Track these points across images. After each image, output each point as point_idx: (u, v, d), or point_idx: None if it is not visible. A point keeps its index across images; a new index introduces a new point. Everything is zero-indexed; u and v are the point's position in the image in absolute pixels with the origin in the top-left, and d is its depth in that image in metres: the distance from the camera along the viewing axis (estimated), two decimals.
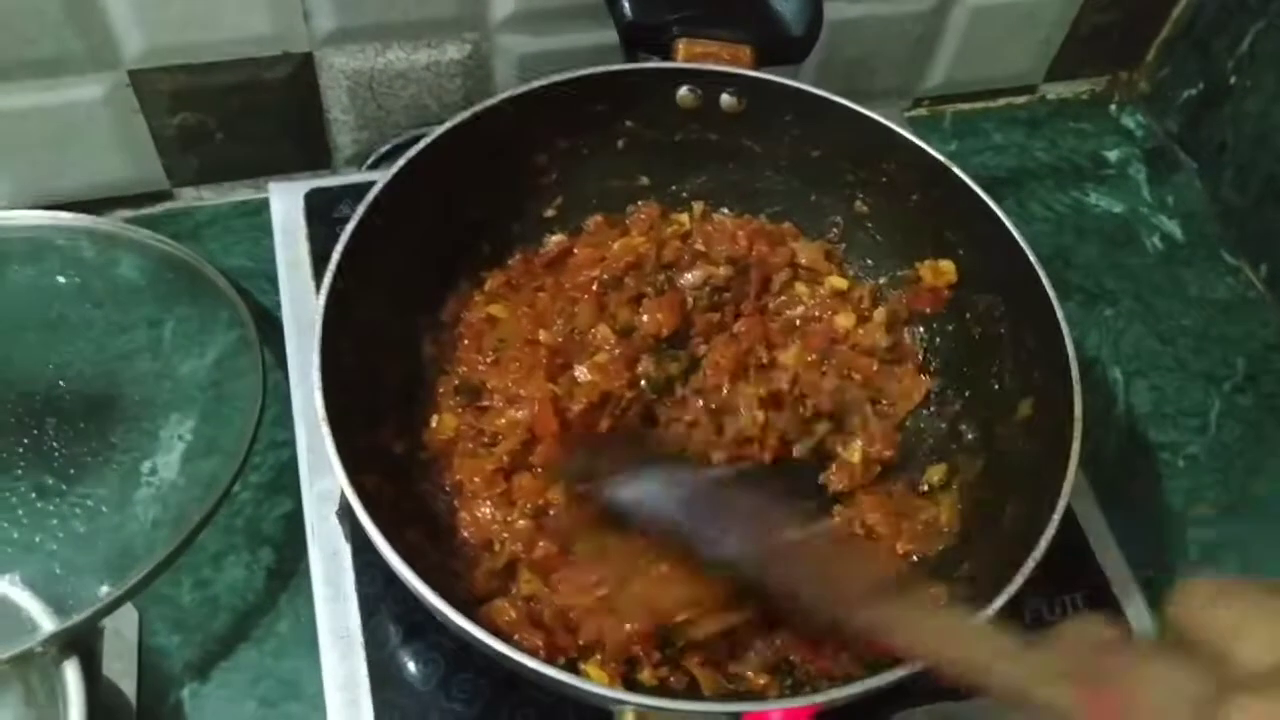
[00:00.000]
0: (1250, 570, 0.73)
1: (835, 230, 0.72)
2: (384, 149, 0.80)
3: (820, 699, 0.48)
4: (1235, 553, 0.74)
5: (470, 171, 0.65)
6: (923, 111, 0.95)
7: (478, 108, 0.63)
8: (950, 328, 0.68)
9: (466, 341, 0.65)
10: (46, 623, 0.57)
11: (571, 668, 0.54)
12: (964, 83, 0.94)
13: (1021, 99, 0.98)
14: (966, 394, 0.67)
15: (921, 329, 0.69)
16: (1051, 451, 0.56)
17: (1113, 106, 0.99)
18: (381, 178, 0.60)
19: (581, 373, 0.63)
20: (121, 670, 0.62)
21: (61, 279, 0.74)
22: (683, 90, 0.67)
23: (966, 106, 0.96)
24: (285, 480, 0.70)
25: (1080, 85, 0.99)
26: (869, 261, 0.72)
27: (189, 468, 0.68)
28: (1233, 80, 0.89)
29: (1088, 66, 0.97)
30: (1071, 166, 0.94)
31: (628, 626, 0.53)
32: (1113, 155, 0.96)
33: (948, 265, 0.67)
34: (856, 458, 0.65)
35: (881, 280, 0.71)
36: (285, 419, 0.68)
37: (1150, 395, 0.81)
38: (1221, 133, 0.91)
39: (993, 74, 0.95)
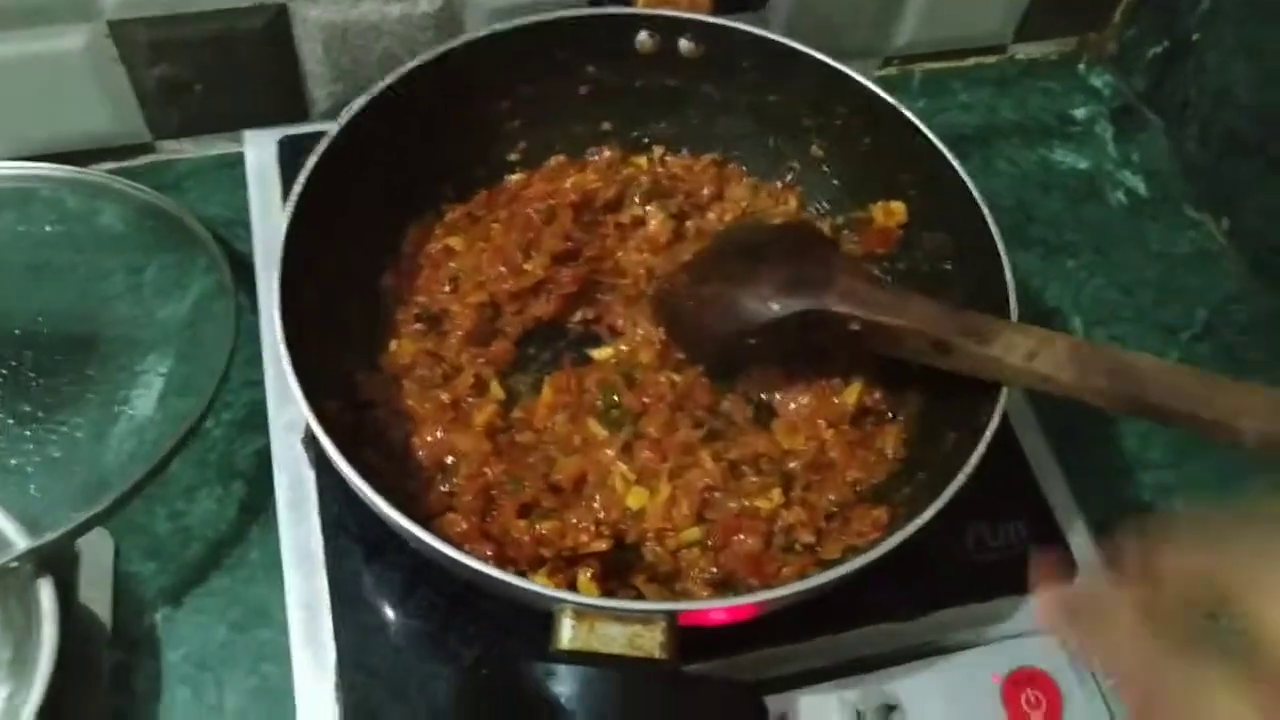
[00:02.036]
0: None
1: (792, 173, 0.74)
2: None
3: (750, 600, 0.50)
4: (1188, 494, 0.75)
5: (432, 115, 0.67)
6: (892, 71, 0.97)
7: (437, 51, 0.65)
8: (900, 265, 0.70)
9: (426, 272, 0.67)
10: (21, 542, 0.59)
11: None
12: (933, 42, 0.96)
13: (991, 59, 0.99)
14: None
15: (875, 270, 0.71)
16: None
17: (1081, 66, 1.00)
18: (341, 118, 0.62)
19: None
20: (97, 597, 0.64)
21: (46, 227, 0.76)
22: (641, 35, 0.69)
23: (935, 66, 0.98)
24: (257, 419, 0.71)
25: (1049, 46, 1.00)
26: (825, 204, 0.74)
27: (165, 404, 0.70)
28: (1195, 37, 0.90)
29: (1056, 27, 0.99)
30: (1038, 125, 0.96)
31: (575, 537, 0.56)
32: (1080, 114, 0.97)
33: (898, 206, 0.69)
34: (852, 400, 0.66)
35: (838, 220, 0.73)
36: (259, 361, 0.70)
37: (1109, 344, 0.83)
38: (1185, 90, 0.92)
39: (962, 34, 0.96)
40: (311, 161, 0.60)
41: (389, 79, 0.63)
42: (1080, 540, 0.65)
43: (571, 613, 0.48)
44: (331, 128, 0.62)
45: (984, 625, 0.62)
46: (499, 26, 0.66)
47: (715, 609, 0.50)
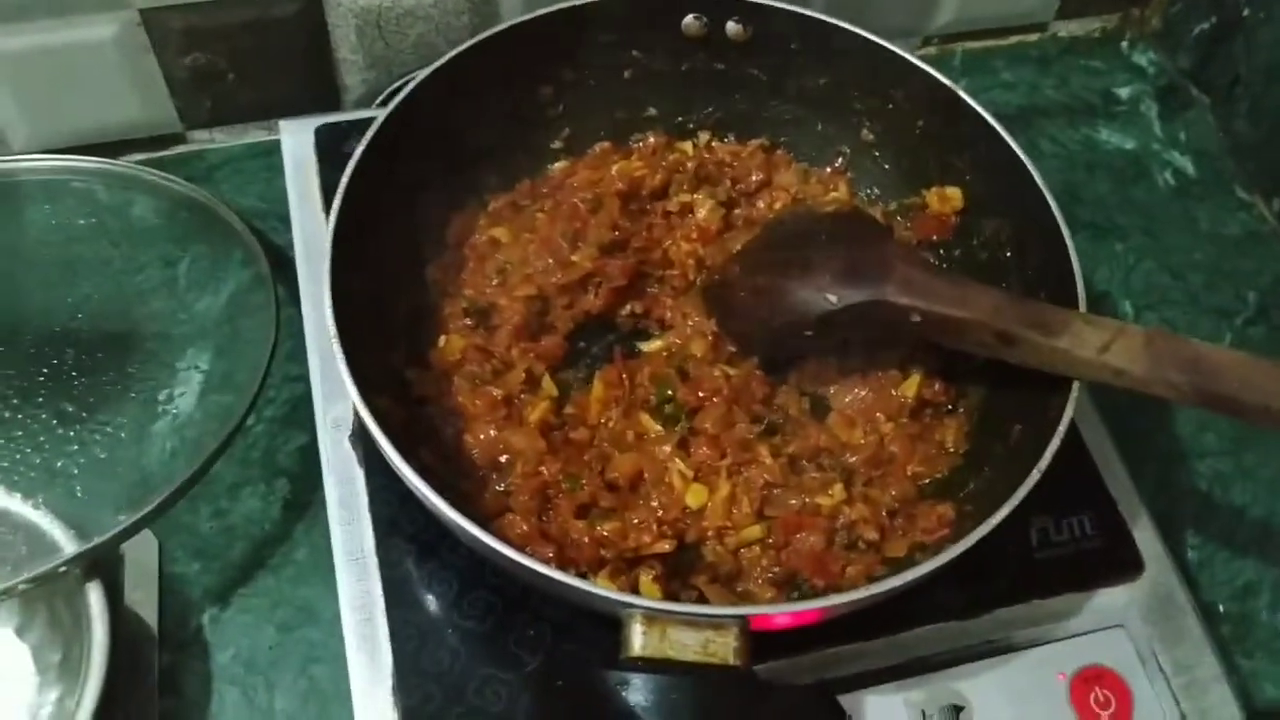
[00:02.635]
0: (1260, 500, 0.73)
1: (842, 158, 0.72)
2: (392, 88, 0.80)
3: (822, 604, 0.48)
4: (1245, 482, 0.74)
5: (475, 102, 0.66)
6: (932, 50, 0.95)
7: (480, 37, 0.64)
8: (956, 253, 0.68)
9: (471, 264, 0.66)
10: (69, 546, 0.58)
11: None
12: (974, 20, 0.94)
13: (1032, 37, 0.97)
14: None
15: (929, 256, 0.70)
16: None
17: (1124, 44, 0.98)
18: (387, 107, 0.61)
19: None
20: (143, 599, 0.64)
21: (80, 220, 0.75)
22: (688, 18, 0.68)
23: (977, 45, 0.96)
24: (300, 414, 0.70)
25: (1092, 22, 0.98)
26: (876, 190, 0.72)
27: (205, 401, 0.69)
28: (1245, 13, 0.88)
29: (1099, 3, 0.97)
30: (1082, 104, 0.94)
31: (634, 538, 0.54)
32: (1124, 92, 0.95)
33: (954, 192, 0.67)
34: (911, 392, 0.64)
35: (890, 207, 0.71)
36: (299, 354, 0.69)
37: (1163, 327, 0.81)
38: (1234, 67, 0.90)
39: (1003, 11, 0.94)
40: (359, 151, 0.59)
41: (434, 65, 0.62)
42: (1146, 535, 0.64)
43: (642, 618, 0.46)
44: (378, 115, 0.61)
45: (1049, 622, 0.60)
46: (543, 11, 0.64)
47: (788, 613, 0.49)
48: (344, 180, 0.57)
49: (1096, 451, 0.66)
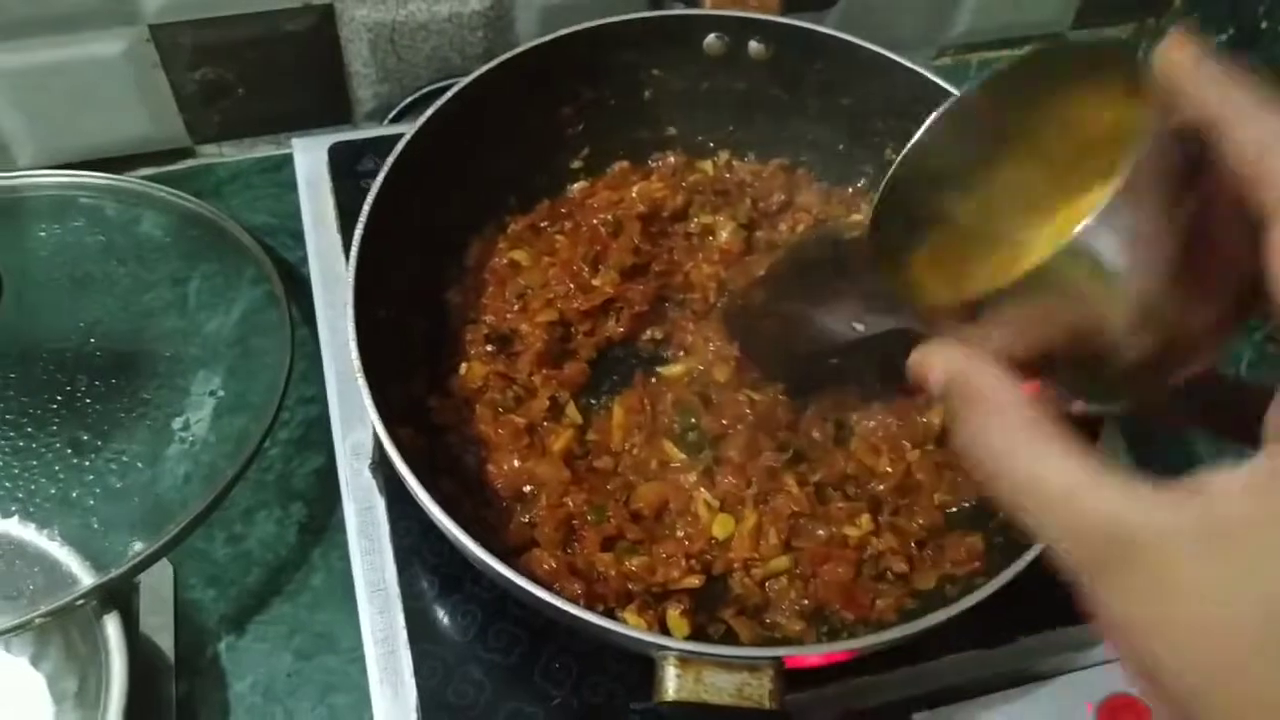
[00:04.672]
0: None
1: (865, 179, 0.71)
2: (405, 102, 0.79)
3: (858, 644, 0.48)
4: None
5: (496, 124, 0.65)
6: (947, 61, 0.94)
7: (502, 58, 0.62)
8: None
9: (492, 288, 0.65)
10: (85, 577, 0.58)
11: (609, 616, 0.54)
12: (989, 31, 0.93)
13: None
14: None
15: None
16: None
17: (1139, 54, 0.97)
18: (408, 131, 0.60)
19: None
20: (158, 625, 0.63)
21: (87, 237, 0.74)
22: (710, 38, 0.67)
23: (992, 55, 0.95)
24: (314, 436, 0.70)
25: (1107, 32, 0.97)
26: None
27: (219, 424, 0.68)
28: (1264, 25, 0.87)
29: (1115, 13, 0.96)
30: None
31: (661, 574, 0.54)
32: None
33: None
34: (938, 418, 0.63)
35: None
36: (313, 374, 0.68)
37: None
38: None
39: (1018, 22, 0.94)
40: (380, 176, 0.58)
41: (455, 87, 0.61)
42: None
43: (676, 661, 0.46)
44: (393, 132, 0.60)
45: (1076, 650, 0.60)
46: (566, 30, 0.63)
47: (822, 654, 0.48)
48: (365, 208, 0.56)
49: None
